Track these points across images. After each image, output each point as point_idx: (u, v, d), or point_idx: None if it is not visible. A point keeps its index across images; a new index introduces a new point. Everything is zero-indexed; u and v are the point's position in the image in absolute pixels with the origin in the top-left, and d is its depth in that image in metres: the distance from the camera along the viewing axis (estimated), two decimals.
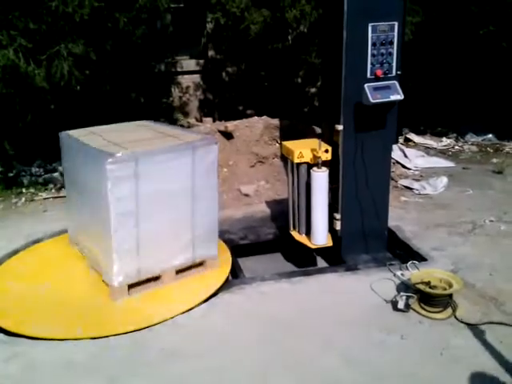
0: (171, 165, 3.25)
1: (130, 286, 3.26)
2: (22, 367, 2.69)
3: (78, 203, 3.70)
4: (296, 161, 3.71)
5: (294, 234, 3.99)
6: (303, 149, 3.69)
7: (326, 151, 3.63)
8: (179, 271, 3.45)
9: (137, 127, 3.94)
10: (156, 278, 3.37)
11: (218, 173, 3.55)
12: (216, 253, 3.63)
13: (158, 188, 3.22)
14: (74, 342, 2.85)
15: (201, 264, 3.57)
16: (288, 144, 3.86)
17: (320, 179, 3.64)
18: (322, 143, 3.65)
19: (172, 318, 3.05)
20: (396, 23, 3.42)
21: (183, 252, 3.44)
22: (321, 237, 3.79)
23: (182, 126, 7.48)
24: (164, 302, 3.24)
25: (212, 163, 3.46)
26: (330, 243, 3.84)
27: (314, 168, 3.66)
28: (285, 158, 3.95)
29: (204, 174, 3.42)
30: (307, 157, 3.69)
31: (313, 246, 3.83)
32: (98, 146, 3.24)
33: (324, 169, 3.65)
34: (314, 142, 3.71)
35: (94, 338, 2.87)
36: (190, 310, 3.13)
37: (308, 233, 3.89)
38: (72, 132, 3.70)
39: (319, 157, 3.60)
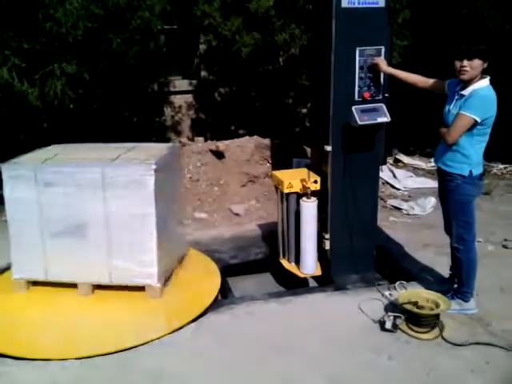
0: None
1: None
2: None
3: None
4: (285, 191, 3.72)
5: (284, 262, 3.99)
6: (293, 179, 3.70)
7: (315, 182, 3.66)
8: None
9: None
10: None
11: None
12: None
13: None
14: (60, 363, 2.81)
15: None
16: (278, 174, 3.87)
17: (309, 209, 3.66)
18: (312, 173, 3.69)
19: (159, 338, 3.03)
20: (383, 47, 3.50)
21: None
22: (310, 266, 3.80)
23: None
24: (148, 320, 3.22)
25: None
26: (318, 272, 3.85)
27: (304, 198, 3.68)
28: (275, 187, 3.99)
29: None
30: (297, 187, 3.71)
31: (302, 275, 3.84)
32: None
33: (313, 199, 3.67)
34: (303, 173, 3.74)
35: (80, 359, 2.84)
36: (178, 329, 3.11)
37: (297, 261, 3.89)
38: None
39: (308, 187, 3.62)
